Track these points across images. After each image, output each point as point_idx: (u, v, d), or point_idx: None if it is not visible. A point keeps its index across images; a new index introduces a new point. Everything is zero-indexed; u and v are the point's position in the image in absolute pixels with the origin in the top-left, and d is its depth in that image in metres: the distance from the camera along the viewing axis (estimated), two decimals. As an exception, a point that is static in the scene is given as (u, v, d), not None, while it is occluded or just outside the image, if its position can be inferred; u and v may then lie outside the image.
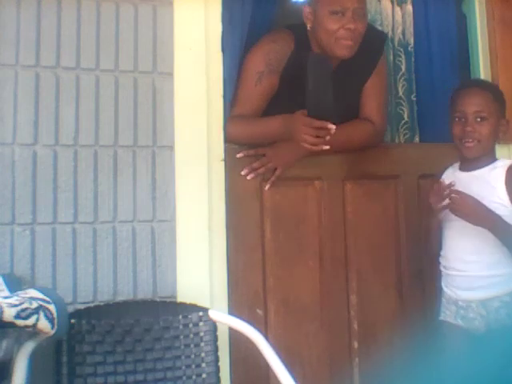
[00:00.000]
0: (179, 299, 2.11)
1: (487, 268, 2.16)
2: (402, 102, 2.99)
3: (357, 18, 2.35)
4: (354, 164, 2.53)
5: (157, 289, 2.12)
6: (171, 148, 2.18)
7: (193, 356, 2.00)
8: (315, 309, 2.44)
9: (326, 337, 2.44)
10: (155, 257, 2.13)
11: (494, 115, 2.20)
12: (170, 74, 2.20)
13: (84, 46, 2.12)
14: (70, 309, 1.93)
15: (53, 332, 1.63)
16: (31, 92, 2.05)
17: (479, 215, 2.11)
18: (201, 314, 2.02)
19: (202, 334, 2.01)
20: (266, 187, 2.41)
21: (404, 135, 2.99)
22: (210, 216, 2.21)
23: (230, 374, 2.21)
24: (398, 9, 3.01)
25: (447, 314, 2.24)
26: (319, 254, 2.46)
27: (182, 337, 2.01)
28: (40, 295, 1.65)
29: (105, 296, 2.06)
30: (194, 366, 2.00)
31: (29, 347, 1.72)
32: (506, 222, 2.12)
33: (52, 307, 1.63)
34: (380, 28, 2.93)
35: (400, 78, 2.98)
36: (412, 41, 3.02)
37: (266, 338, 2.04)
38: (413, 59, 3.02)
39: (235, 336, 2.11)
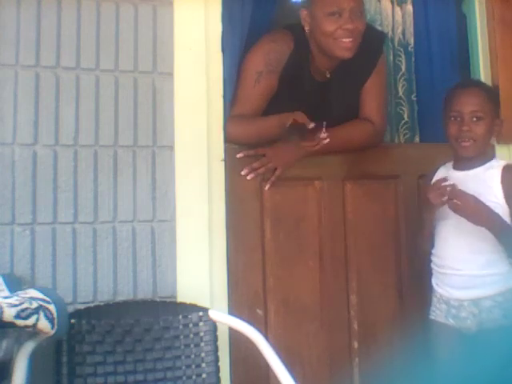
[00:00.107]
0: (179, 299, 2.11)
1: (482, 267, 2.17)
2: (401, 101, 2.99)
3: (354, 18, 2.35)
4: (354, 164, 2.53)
5: (157, 289, 2.12)
6: (171, 148, 2.18)
7: (193, 356, 2.00)
8: (315, 309, 2.44)
9: (326, 337, 2.44)
10: (155, 257, 2.13)
11: (489, 115, 2.21)
12: (170, 74, 2.20)
13: (84, 46, 2.12)
14: (70, 309, 1.93)
15: (53, 332, 1.63)
16: (31, 92, 2.05)
17: (481, 215, 2.11)
18: (201, 314, 2.02)
19: (202, 333, 2.01)
20: (266, 187, 2.41)
21: (404, 135, 2.99)
22: (210, 216, 2.21)
23: (230, 374, 2.21)
24: (398, 9, 3.01)
25: (437, 314, 2.25)
26: (319, 254, 2.46)
27: (182, 337, 2.01)
28: (40, 295, 1.65)
29: (105, 296, 2.06)
30: (194, 366, 2.00)
31: (29, 347, 1.72)
32: (505, 222, 2.13)
33: (52, 307, 1.63)
34: (380, 28, 2.93)
35: (400, 78, 2.98)
36: (412, 41, 3.02)
37: (266, 338, 2.04)
38: (413, 59, 3.01)
39: (235, 336, 2.11)
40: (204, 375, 1.99)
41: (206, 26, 2.28)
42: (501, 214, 2.13)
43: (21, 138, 2.03)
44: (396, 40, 2.99)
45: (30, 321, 1.56)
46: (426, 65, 3.01)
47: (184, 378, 1.98)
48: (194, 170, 2.20)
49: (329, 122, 2.38)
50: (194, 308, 2.04)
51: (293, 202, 2.46)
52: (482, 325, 2.15)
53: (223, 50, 2.32)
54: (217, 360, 2.01)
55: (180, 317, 2.02)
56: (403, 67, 2.99)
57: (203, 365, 2.00)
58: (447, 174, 2.26)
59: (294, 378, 1.86)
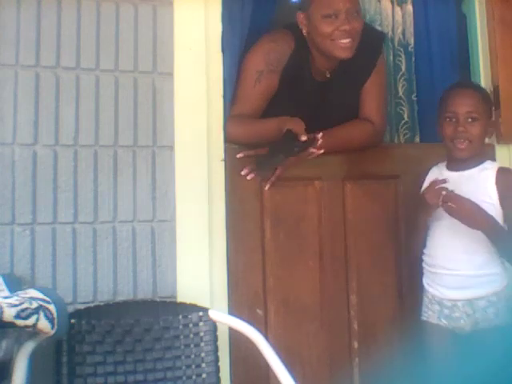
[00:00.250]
0: (179, 299, 2.11)
1: (479, 267, 2.18)
2: (402, 101, 2.99)
3: (351, 19, 2.34)
4: (354, 164, 2.53)
5: (157, 289, 2.12)
6: (171, 148, 2.18)
7: (193, 356, 2.00)
8: (315, 309, 2.44)
9: (326, 337, 2.44)
10: (155, 257, 2.13)
11: (484, 116, 2.23)
12: (170, 74, 2.20)
13: (84, 46, 2.12)
14: (70, 309, 1.93)
15: (53, 332, 1.63)
16: (31, 92, 2.05)
17: (476, 218, 2.13)
18: (201, 314, 2.03)
19: (202, 333, 2.01)
20: (266, 187, 2.41)
21: (404, 135, 2.99)
22: (210, 216, 2.21)
23: (230, 374, 2.21)
24: (398, 9, 3.01)
25: (430, 315, 2.26)
26: (319, 254, 2.46)
27: (182, 337, 2.01)
28: (40, 295, 1.65)
29: (105, 296, 2.06)
30: (194, 366, 2.00)
31: (29, 347, 1.72)
32: (499, 225, 2.15)
33: (52, 307, 1.63)
34: (380, 28, 2.93)
35: (400, 78, 2.98)
36: (412, 41, 3.02)
37: (266, 338, 2.05)
38: (413, 59, 3.01)
39: (235, 336, 2.11)
40: (204, 375, 1.99)
41: (206, 25, 2.28)
42: (494, 215, 2.15)
43: (21, 138, 2.03)
44: (396, 40, 2.99)
45: (30, 321, 1.56)
46: (426, 65, 3.01)
47: (184, 377, 1.98)
48: (194, 170, 2.20)
49: (329, 122, 2.39)
50: (194, 308, 2.04)
51: (293, 202, 2.46)
52: (476, 325, 2.17)
53: (223, 50, 2.32)
54: (217, 360, 2.01)
55: (180, 317, 2.02)
56: (403, 67, 2.99)
57: (203, 365, 2.00)
58: (440, 174, 2.27)
59: (294, 377, 1.86)
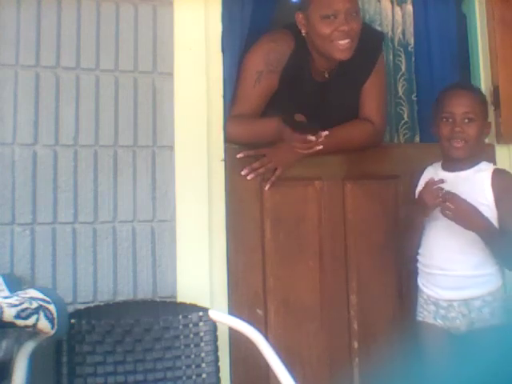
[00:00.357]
0: (179, 299, 2.11)
1: (475, 267, 2.19)
2: (401, 101, 2.99)
3: (350, 19, 2.34)
4: (354, 164, 2.53)
5: (157, 289, 2.12)
6: (171, 148, 2.18)
7: (193, 356, 2.00)
8: (315, 309, 2.44)
9: (326, 337, 2.44)
10: (155, 257, 2.13)
11: (480, 117, 2.24)
12: (170, 74, 2.20)
13: (84, 46, 2.12)
14: (70, 309, 1.93)
15: (53, 332, 1.63)
16: (31, 92, 2.05)
17: (472, 219, 2.14)
18: (201, 314, 2.02)
19: (202, 333, 2.01)
20: (266, 187, 2.41)
21: (404, 135, 2.99)
22: (210, 216, 2.21)
23: (230, 374, 2.21)
24: (398, 9, 3.01)
25: (425, 315, 2.26)
26: (319, 254, 2.46)
27: (182, 337, 2.01)
28: (40, 295, 1.65)
29: (105, 296, 2.06)
30: (194, 366, 2.00)
31: (29, 347, 1.72)
32: (494, 227, 2.16)
33: (52, 307, 1.63)
34: (380, 28, 2.93)
35: (400, 78, 2.98)
36: (412, 41, 3.02)
37: (266, 338, 2.04)
38: (413, 59, 3.02)
39: (235, 336, 2.11)
40: (204, 375, 1.99)
41: (206, 25, 2.28)
42: (489, 216, 2.16)
43: (21, 138, 2.03)
44: (396, 40, 2.99)
45: (30, 321, 1.56)
46: (425, 65, 3.01)
47: (184, 377, 1.98)
48: (194, 170, 2.20)
49: (328, 122, 2.39)
50: (194, 308, 2.04)
51: (293, 202, 2.46)
52: (472, 325, 2.18)
53: (223, 50, 2.32)
54: (217, 360, 2.01)
55: (180, 317, 2.02)
56: (403, 67, 2.99)
57: (203, 365, 2.00)
58: (436, 174, 2.27)
59: (294, 377, 1.86)
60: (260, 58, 2.45)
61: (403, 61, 2.99)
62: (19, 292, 1.67)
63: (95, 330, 1.93)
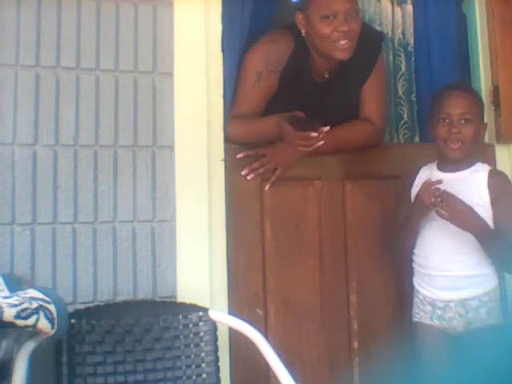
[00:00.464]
0: (179, 299, 2.11)
1: (472, 268, 2.20)
2: (401, 101, 2.99)
3: (350, 19, 2.34)
4: (354, 164, 2.53)
5: (157, 289, 2.12)
6: (171, 148, 2.18)
7: (193, 356, 2.00)
8: (315, 309, 2.44)
9: (326, 337, 2.44)
10: (155, 257, 2.13)
11: (477, 117, 2.25)
12: (170, 74, 2.20)
13: (84, 46, 2.12)
14: (70, 309, 1.93)
15: (53, 332, 1.63)
16: (31, 92, 2.05)
17: (468, 220, 2.14)
18: (201, 314, 2.03)
19: (202, 333, 2.01)
20: (266, 187, 2.41)
21: (404, 135, 2.99)
22: (210, 216, 2.21)
23: (230, 374, 2.21)
24: (398, 9, 3.01)
25: (422, 315, 2.27)
26: (319, 254, 2.46)
27: (182, 337, 2.01)
28: (40, 295, 1.65)
29: (105, 296, 2.06)
30: (194, 366, 2.00)
31: (29, 347, 1.72)
32: (489, 227, 2.17)
33: (52, 307, 1.63)
34: (380, 28, 2.93)
35: (400, 78, 2.98)
36: (412, 41, 3.02)
37: (266, 338, 2.05)
38: (413, 59, 3.02)
39: (235, 336, 2.11)
40: (204, 375, 1.99)
41: (206, 25, 2.28)
42: (485, 217, 2.16)
43: (21, 138, 2.03)
44: (396, 40, 2.99)
45: (30, 321, 1.56)
46: (425, 65, 3.01)
47: (184, 377, 1.98)
48: (194, 169, 2.20)
49: (328, 123, 2.38)
50: (194, 308, 2.04)
51: (293, 202, 2.46)
52: (469, 325, 2.19)
53: (223, 50, 2.32)
54: (217, 360, 2.01)
55: (180, 317, 2.02)
56: (403, 67, 2.99)
57: (203, 365, 2.00)
58: (431, 174, 2.27)
59: (294, 377, 1.86)
60: (260, 58, 2.45)
61: (403, 61, 2.99)
62: (19, 292, 1.67)
63: (95, 330, 1.93)
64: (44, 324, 1.59)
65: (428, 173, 2.30)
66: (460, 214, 2.13)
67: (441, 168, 2.29)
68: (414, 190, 2.29)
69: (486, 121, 2.43)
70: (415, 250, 2.30)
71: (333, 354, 2.44)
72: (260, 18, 2.68)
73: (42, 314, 1.59)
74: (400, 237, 2.32)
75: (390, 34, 2.98)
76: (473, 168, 2.25)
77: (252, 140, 2.39)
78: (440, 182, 2.17)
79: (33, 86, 2.05)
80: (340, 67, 2.49)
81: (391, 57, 2.97)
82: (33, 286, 1.93)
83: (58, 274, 2.02)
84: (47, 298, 1.65)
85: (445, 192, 2.13)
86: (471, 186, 2.21)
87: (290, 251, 2.43)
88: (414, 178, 2.33)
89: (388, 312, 2.51)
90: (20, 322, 1.54)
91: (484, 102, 2.44)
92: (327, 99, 2.53)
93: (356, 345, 2.48)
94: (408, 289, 2.50)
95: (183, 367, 1.99)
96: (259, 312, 2.37)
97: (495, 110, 2.65)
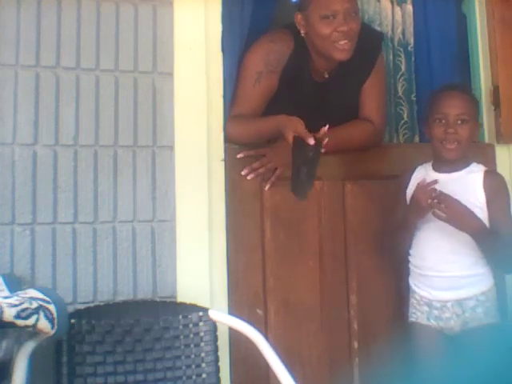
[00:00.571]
0: (179, 299, 2.11)
1: (468, 268, 2.20)
2: (401, 101, 2.99)
3: (349, 19, 2.34)
4: (354, 164, 2.53)
5: (157, 289, 2.12)
6: (171, 148, 2.18)
7: (193, 356, 2.00)
8: (315, 309, 2.44)
9: (326, 337, 2.44)
10: (155, 257, 2.13)
11: (473, 118, 2.25)
12: (170, 74, 2.20)
13: (84, 46, 2.12)
14: (70, 309, 1.93)
15: (53, 332, 1.63)
16: (31, 92, 2.05)
17: (465, 220, 2.15)
18: (201, 314, 2.03)
19: (202, 333, 2.01)
20: (266, 187, 2.41)
21: (404, 135, 2.99)
22: (209, 216, 2.21)
23: (230, 374, 2.21)
24: (397, 9, 3.01)
25: (418, 316, 2.27)
26: (319, 254, 2.46)
27: (182, 337, 2.01)
28: (40, 295, 1.65)
29: (105, 296, 2.06)
30: (194, 366, 2.00)
31: (29, 347, 1.72)
32: (486, 228, 2.17)
33: (52, 307, 1.63)
34: (379, 28, 2.93)
35: (400, 78, 2.98)
36: (412, 41, 3.02)
37: (266, 338, 2.04)
38: (413, 59, 3.02)
39: (235, 336, 2.11)
40: (204, 375, 1.99)
41: (206, 25, 2.28)
42: (481, 217, 2.17)
43: (21, 138, 2.03)
44: (396, 40, 2.99)
45: (30, 321, 1.56)
46: (425, 65, 3.01)
47: (184, 377, 1.98)
48: (194, 169, 2.21)
49: (328, 123, 2.38)
50: (194, 308, 2.04)
51: (293, 202, 2.44)
52: (466, 325, 2.19)
53: (223, 50, 2.32)
54: (217, 360, 2.01)
55: (180, 317, 2.02)
56: (403, 67, 2.99)
57: (203, 365, 2.00)
58: (427, 175, 2.27)
59: (294, 377, 1.87)
60: (260, 58, 2.45)
61: (403, 61, 2.99)
62: (19, 292, 1.67)
63: (95, 330, 1.93)
64: (44, 324, 1.59)
65: (423, 173, 2.30)
66: (458, 215, 2.14)
67: (436, 168, 2.29)
68: (410, 189, 2.29)
69: (485, 121, 2.43)
70: (411, 251, 2.30)
71: (333, 354, 2.44)
72: (260, 18, 2.67)
73: (42, 314, 1.59)
74: (396, 237, 2.32)
75: (389, 33, 2.98)
76: (468, 169, 2.25)
77: (252, 140, 2.39)
78: (436, 182, 2.17)
79: (33, 86, 2.05)
80: (340, 67, 2.49)
81: (391, 57, 2.97)
82: (33, 286, 1.93)
83: (57, 274, 2.02)
84: (47, 298, 1.64)
85: (441, 193, 2.13)
86: (467, 186, 2.21)
87: (290, 251, 2.43)
88: (409, 178, 2.33)
89: (388, 312, 2.51)
90: (20, 322, 1.54)
91: (484, 101, 2.45)
92: (327, 99, 2.53)
93: (356, 345, 2.48)
94: (408, 289, 2.50)
95: (183, 367, 1.99)
96: (259, 312, 2.37)
97: (495, 110, 2.65)
